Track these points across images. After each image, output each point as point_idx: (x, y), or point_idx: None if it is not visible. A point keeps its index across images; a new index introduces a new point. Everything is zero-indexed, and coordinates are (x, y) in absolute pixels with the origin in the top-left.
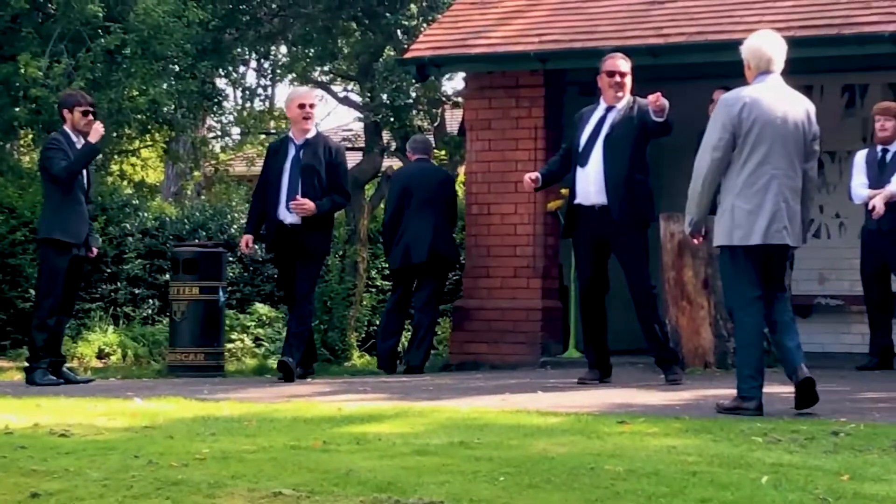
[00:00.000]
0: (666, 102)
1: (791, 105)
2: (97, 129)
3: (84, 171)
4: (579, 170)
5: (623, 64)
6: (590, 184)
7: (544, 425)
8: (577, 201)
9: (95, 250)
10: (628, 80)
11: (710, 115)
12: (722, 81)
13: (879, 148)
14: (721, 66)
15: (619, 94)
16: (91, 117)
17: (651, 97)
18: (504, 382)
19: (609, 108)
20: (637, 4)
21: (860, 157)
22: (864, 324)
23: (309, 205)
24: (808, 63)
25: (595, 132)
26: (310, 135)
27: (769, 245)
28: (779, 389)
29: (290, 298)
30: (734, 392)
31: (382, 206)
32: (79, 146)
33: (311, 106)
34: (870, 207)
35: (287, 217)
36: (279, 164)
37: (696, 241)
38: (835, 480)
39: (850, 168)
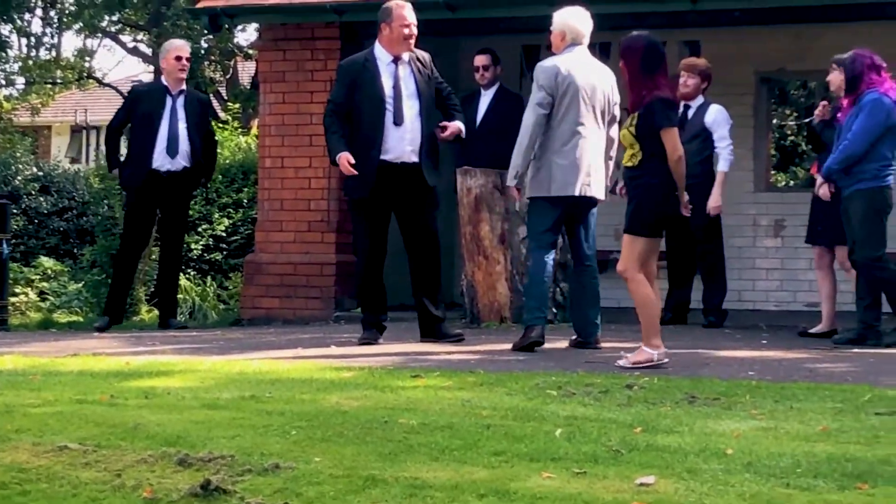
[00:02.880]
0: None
1: (598, 75)
2: None
3: None
4: (392, 127)
5: (413, 14)
6: (406, 142)
7: (337, 379)
8: (385, 158)
9: None
10: (415, 32)
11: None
12: (521, 37)
13: (682, 104)
14: (521, 21)
15: (409, 45)
16: None
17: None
18: (297, 337)
19: (396, 60)
20: None
21: None
22: (659, 279)
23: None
24: (608, 19)
25: (397, 87)
26: (183, 86)
27: (579, 197)
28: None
29: (140, 247)
30: None
31: None
32: None
33: (188, 59)
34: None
35: (165, 165)
36: (152, 111)
37: (516, 192)
38: (628, 433)
39: None
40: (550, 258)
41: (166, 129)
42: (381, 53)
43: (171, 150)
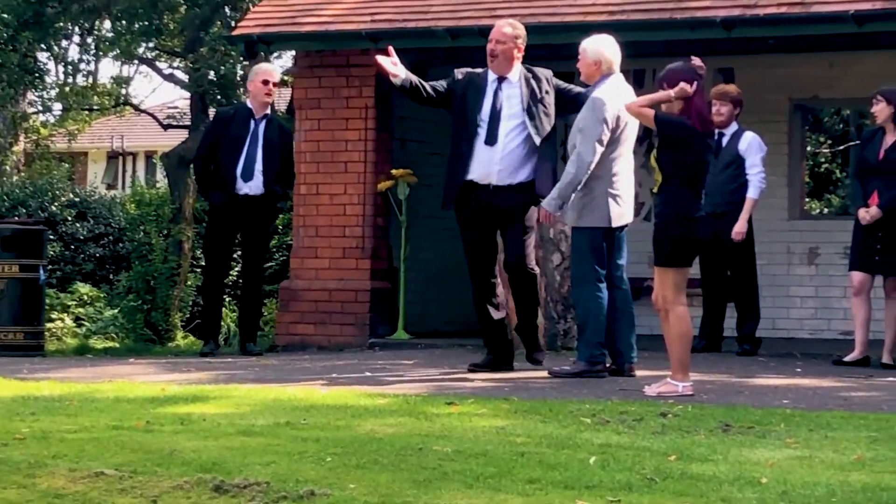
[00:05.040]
0: None
1: None
2: None
3: None
4: (483, 147)
5: (508, 30)
6: (494, 163)
7: (372, 406)
8: (470, 178)
9: None
10: (504, 49)
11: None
12: (554, 64)
13: (716, 133)
14: (554, 48)
15: (493, 62)
16: None
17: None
18: (332, 363)
19: (501, 79)
20: None
21: None
22: (693, 306)
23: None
24: (641, 47)
25: (495, 106)
26: (268, 111)
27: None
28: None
29: (223, 269)
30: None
31: None
32: None
33: (275, 84)
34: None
35: (243, 188)
36: (238, 134)
37: (559, 221)
38: (662, 461)
39: None
40: (605, 291)
41: (245, 154)
42: (490, 72)
43: (246, 173)
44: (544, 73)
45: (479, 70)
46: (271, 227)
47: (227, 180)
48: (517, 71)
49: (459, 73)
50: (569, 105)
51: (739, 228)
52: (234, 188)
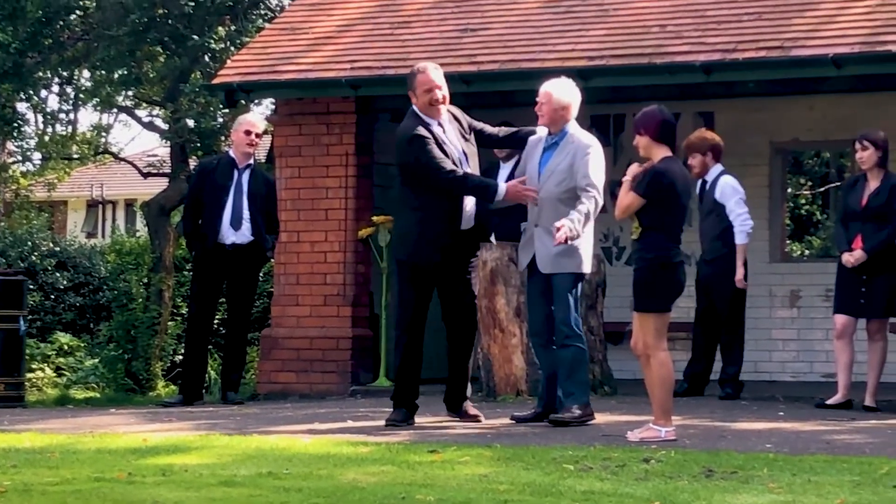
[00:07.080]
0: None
1: None
2: None
3: None
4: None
5: (438, 74)
6: (469, 209)
7: (354, 455)
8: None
9: None
10: (441, 94)
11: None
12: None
13: (699, 182)
14: (536, 94)
15: (441, 109)
16: None
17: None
18: (313, 412)
19: (440, 124)
20: (450, 32)
21: None
22: (675, 350)
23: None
24: (620, 92)
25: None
26: (250, 161)
27: None
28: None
29: (208, 319)
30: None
31: None
32: None
33: (258, 135)
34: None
35: (231, 237)
36: (220, 185)
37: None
38: None
39: None
40: None
41: (231, 203)
42: (429, 119)
43: (235, 222)
44: (455, 109)
45: (414, 121)
46: (257, 274)
47: (214, 230)
48: (445, 111)
49: (423, 132)
50: (492, 142)
51: (738, 276)
52: (220, 238)
